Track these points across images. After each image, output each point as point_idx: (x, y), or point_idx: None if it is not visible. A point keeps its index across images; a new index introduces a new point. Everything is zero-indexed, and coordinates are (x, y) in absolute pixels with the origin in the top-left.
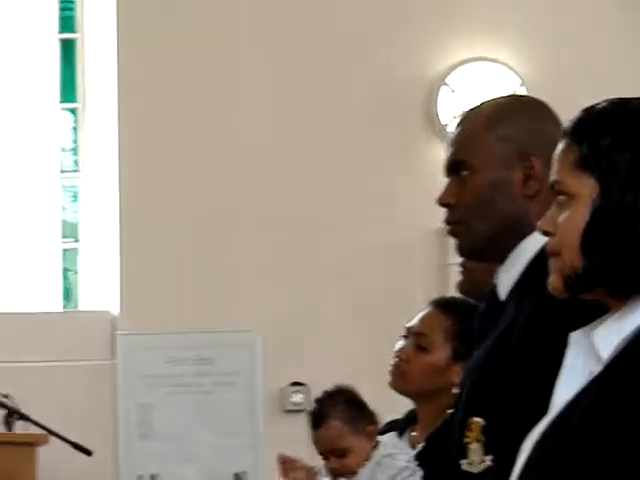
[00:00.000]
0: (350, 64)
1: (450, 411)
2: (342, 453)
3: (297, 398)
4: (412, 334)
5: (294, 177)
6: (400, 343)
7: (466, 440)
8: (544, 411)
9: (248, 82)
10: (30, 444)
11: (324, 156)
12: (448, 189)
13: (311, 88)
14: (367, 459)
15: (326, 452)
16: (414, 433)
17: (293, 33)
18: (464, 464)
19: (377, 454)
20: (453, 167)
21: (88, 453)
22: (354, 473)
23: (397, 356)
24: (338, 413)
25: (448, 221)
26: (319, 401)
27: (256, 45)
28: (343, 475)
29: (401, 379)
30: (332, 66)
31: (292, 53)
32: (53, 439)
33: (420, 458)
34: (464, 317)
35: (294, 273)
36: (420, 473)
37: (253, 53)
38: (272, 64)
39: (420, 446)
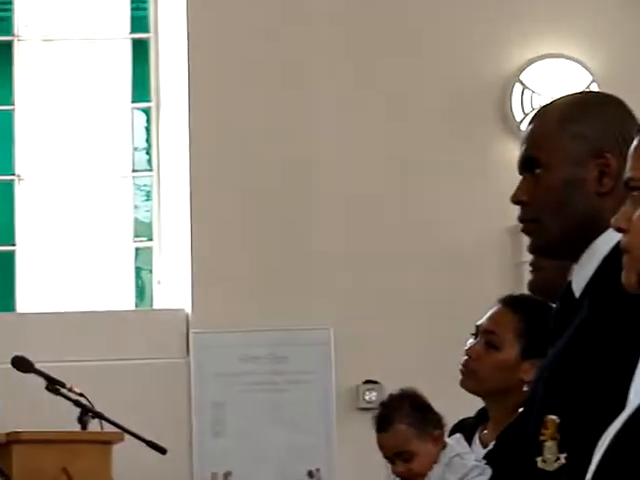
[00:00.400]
0: (424, 62)
1: (521, 409)
2: (408, 457)
3: (370, 396)
4: (481, 332)
5: (368, 176)
6: (470, 342)
7: (541, 438)
8: (620, 409)
9: (321, 81)
10: (105, 442)
11: (398, 154)
12: (521, 187)
13: (385, 85)
14: (433, 463)
15: (392, 456)
16: (486, 432)
17: (368, 30)
18: (539, 462)
19: (446, 455)
20: (527, 164)
21: (163, 451)
22: (421, 476)
23: (467, 355)
24: (404, 417)
25: (522, 219)
26: (384, 405)
27: (330, 42)
28: (410, 479)
29: (471, 378)
30: (406, 64)
31: (367, 49)
32: (128, 437)
33: (491, 457)
34: (533, 314)
35: (368, 271)
36: (490, 471)
37: (327, 50)
38: (348, 61)
39: (491, 445)
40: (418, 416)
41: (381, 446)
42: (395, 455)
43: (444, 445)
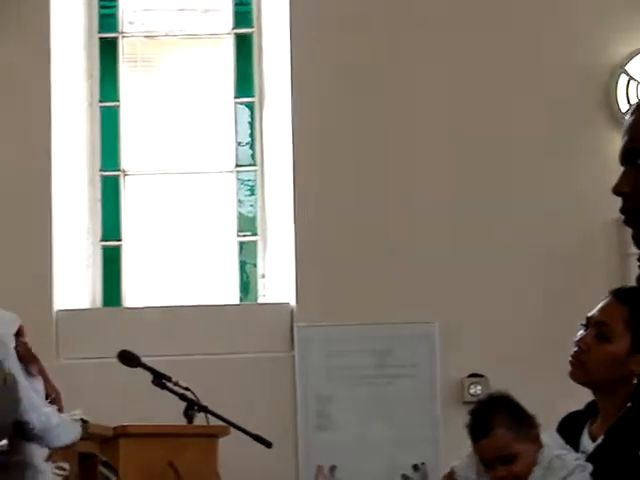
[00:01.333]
0: (530, 54)
1: (629, 404)
2: (510, 460)
3: (475, 390)
4: (592, 324)
5: (470, 169)
6: (580, 333)
7: None
8: None
9: (426, 76)
10: (211, 436)
11: (502, 146)
12: (623, 178)
13: (491, 78)
14: (533, 463)
15: (493, 460)
16: (595, 425)
17: (473, 28)
18: None
19: (544, 457)
20: (628, 156)
21: (268, 445)
22: (522, 478)
23: (577, 346)
24: (501, 420)
25: (624, 210)
26: (478, 412)
27: (434, 36)
28: None
29: (581, 369)
30: (512, 55)
31: (471, 44)
32: (233, 431)
33: (600, 451)
34: None
35: (473, 264)
36: (590, 467)
37: (430, 44)
38: (449, 56)
39: (600, 439)
40: (514, 418)
41: (482, 452)
42: (496, 459)
43: (540, 445)
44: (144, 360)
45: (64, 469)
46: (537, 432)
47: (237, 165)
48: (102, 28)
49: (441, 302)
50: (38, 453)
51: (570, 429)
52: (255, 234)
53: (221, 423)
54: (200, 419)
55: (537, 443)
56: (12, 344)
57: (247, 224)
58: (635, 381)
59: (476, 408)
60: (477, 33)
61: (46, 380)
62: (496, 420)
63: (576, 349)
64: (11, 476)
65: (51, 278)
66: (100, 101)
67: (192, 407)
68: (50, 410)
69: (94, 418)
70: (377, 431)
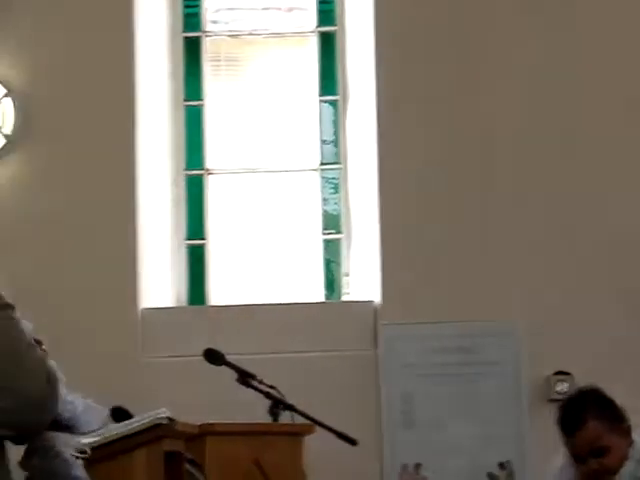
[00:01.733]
0: (621, 55)
1: None
2: (602, 452)
3: (562, 387)
4: None
5: (556, 166)
6: None
7: None
8: None
9: (510, 74)
10: (296, 434)
11: (582, 140)
12: None
13: (586, 77)
14: (625, 456)
15: (586, 454)
16: None
17: (556, 28)
18: None
19: (636, 451)
20: None
21: (353, 443)
22: (614, 472)
23: None
24: (593, 413)
25: None
26: (569, 406)
27: (520, 27)
28: (602, 476)
29: None
30: (607, 54)
31: (558, 45)
32: (318, 429)
33: None
34: None
35: (555, 258)
36: None
37: (515, 32)
38: (537, 44)
39: None
40: (606, 410)
41: (574, 446)
42: (589, 453)
43: (632, 439)
44: (229, 358)
45: (86, 452)
46: (629, 426)
47: (322, 163)
48: (186, 27)
49: (526, 299)
50: (60, 438)
51: None
52: (340, 232)
53: (306, 421)
54: (285, 417)
55: (629, 437)
56: None
57: (332, 222)
58: None
59: (567, 402)
60: (563, 33)
61: None
62: (588, 413)
63: None
64: (34, 461)
65: (136, 277)
66: (184, 100)
67: (277, 405)
68: (74, 397)
69: (179, 416)
70: (462, 429)
